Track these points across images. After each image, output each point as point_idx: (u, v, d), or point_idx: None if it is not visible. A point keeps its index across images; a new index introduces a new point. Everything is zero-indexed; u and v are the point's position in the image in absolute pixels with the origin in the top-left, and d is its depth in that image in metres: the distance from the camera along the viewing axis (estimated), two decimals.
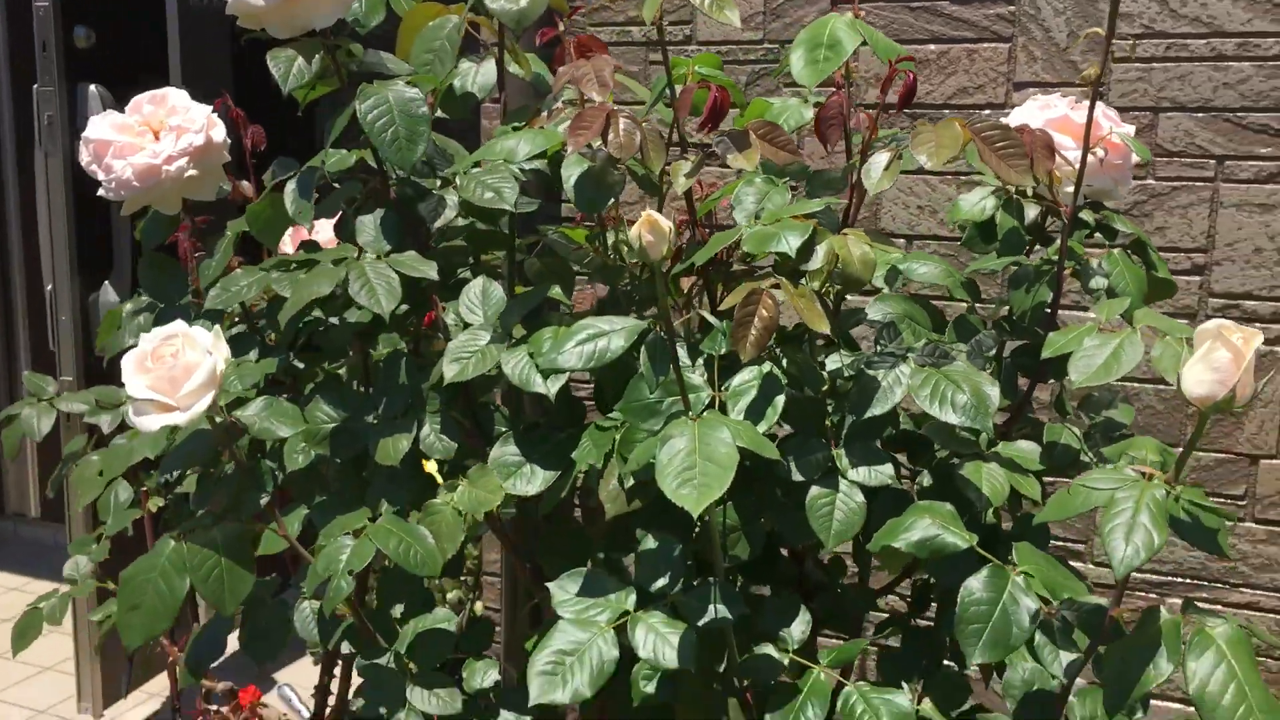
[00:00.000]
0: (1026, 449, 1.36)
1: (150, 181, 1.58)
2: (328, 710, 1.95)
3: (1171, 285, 1.49)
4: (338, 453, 1.44)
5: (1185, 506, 1.00)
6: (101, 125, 1.59)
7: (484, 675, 1.48)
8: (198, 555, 1.25)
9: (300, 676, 3.03)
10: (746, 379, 1.22)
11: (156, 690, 3.28)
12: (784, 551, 1.51)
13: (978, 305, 1.47)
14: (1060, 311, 1.41)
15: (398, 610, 1.50)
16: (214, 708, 1.84)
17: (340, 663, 1.86)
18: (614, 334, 1.17)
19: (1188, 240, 1.98)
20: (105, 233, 2.94)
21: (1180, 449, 1.08)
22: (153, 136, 1.60)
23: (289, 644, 1.50)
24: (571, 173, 1.31)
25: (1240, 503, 1.97)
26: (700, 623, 1.21)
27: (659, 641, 1.19)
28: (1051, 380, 1.43)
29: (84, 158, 1.62)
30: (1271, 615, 1.99)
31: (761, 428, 1.18)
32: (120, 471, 1.88)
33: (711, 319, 1.24)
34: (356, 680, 1.52)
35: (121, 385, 1.24)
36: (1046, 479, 1.37)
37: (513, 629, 2.16)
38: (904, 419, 1.44)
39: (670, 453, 1.09)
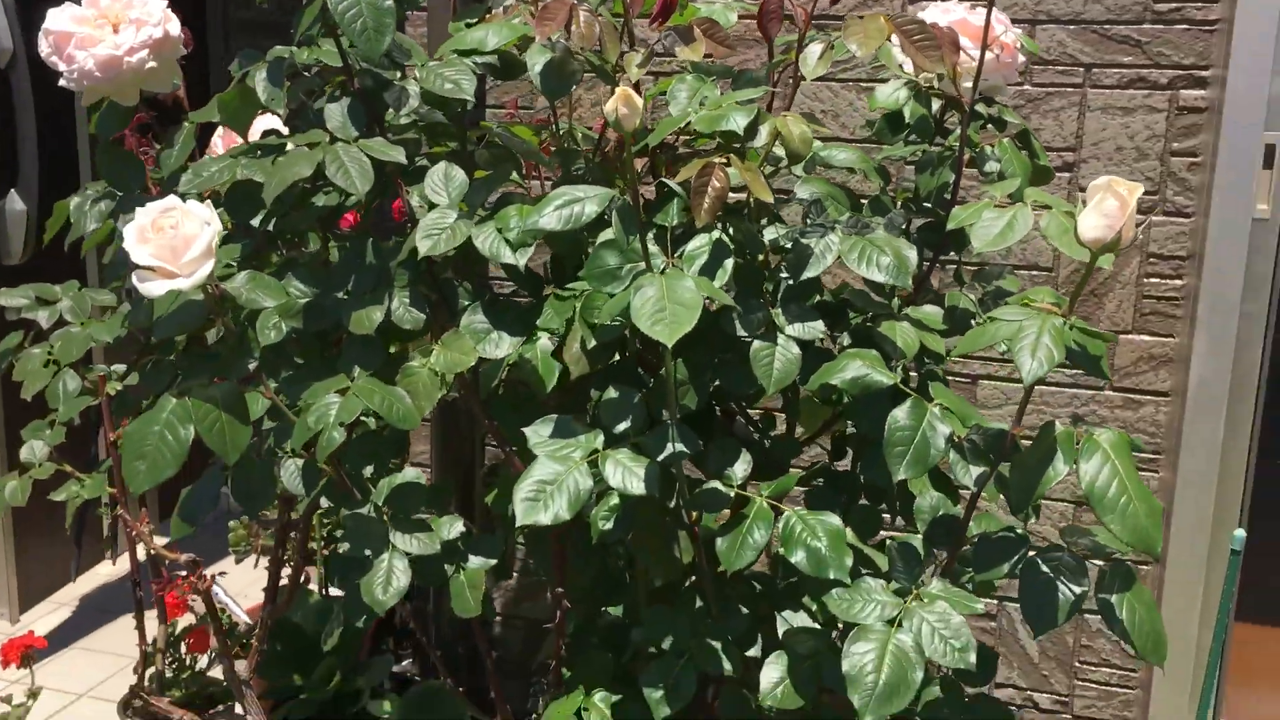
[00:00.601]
0: (931, 312, 1.57)
1: (112, 73, 1.65)
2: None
3: (1050, 172, 1.70)
4: (310, 325, 1.55)
5: (1075, 336, 1.21)
6: (61, 18, 1.64)
7: (450, 528, 1.63)
8: (200, 409, 1.37)
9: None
10: (699, 244, 1.39)
11: (67, 600, 3.34)
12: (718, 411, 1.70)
13: (887, 188, 1.66)
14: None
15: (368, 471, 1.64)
16: (180, 574, 1.94)
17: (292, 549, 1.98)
18: (588, 200, 1.33)
19: (1059, 140, 2.21)
20: (10, 141, 2.93)
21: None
22: (111, 29, 1.67)
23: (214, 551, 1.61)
24: (536, 61, 1.45)
25: None
26: (660, 457, 1.39)
27: (626, 474, 1.37)
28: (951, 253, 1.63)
29: (44, 49, 1.67)
30: None
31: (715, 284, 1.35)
32: (76, 358, 1.95)
33: (674, 185, 1.39)
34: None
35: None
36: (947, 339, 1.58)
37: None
38: (826, 295, 1.63)
39: (643, 299, 1.25)
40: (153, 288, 1.32)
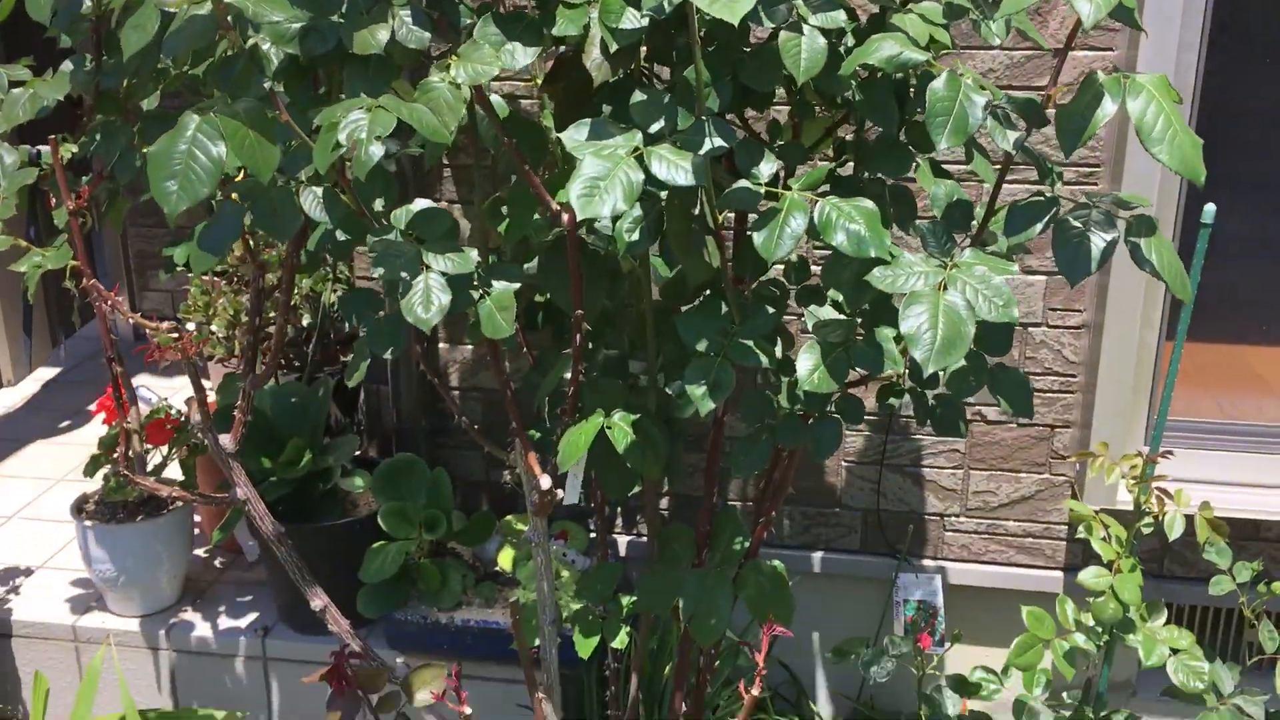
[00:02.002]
0: (931, 7, 1.60)
1: None
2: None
3: None
4: (309, 51, 1.49)
5: None
6: None
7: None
8: (229, 125, 1.31)
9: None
10: None
11: None
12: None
13: None
14: None
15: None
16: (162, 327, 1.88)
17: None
18: None
19: None
20: None
21: None
22: None
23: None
24: None
25: None
26: (701, 151, 1.40)
27: (672, 167, 1.38)
28: None
29: None
30: None
31: None
32: (12, 124, 1.83)
33: None
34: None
35: None
36: None
37: None
38: None
39: None
40: None
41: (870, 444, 2.68)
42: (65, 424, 3.71)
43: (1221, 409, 2.70)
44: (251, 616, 2.73)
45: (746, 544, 2.01)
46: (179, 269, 2.44)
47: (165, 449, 2.65)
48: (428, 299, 1.47)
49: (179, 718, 2.50)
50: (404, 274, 1.48)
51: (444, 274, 1.49)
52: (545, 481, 1.88)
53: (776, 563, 2.02)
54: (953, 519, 2.70)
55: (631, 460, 1.80)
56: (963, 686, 2.28)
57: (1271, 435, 2.62)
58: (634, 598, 2.16)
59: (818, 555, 2.77)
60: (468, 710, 1.82)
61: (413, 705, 2.00)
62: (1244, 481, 2.58)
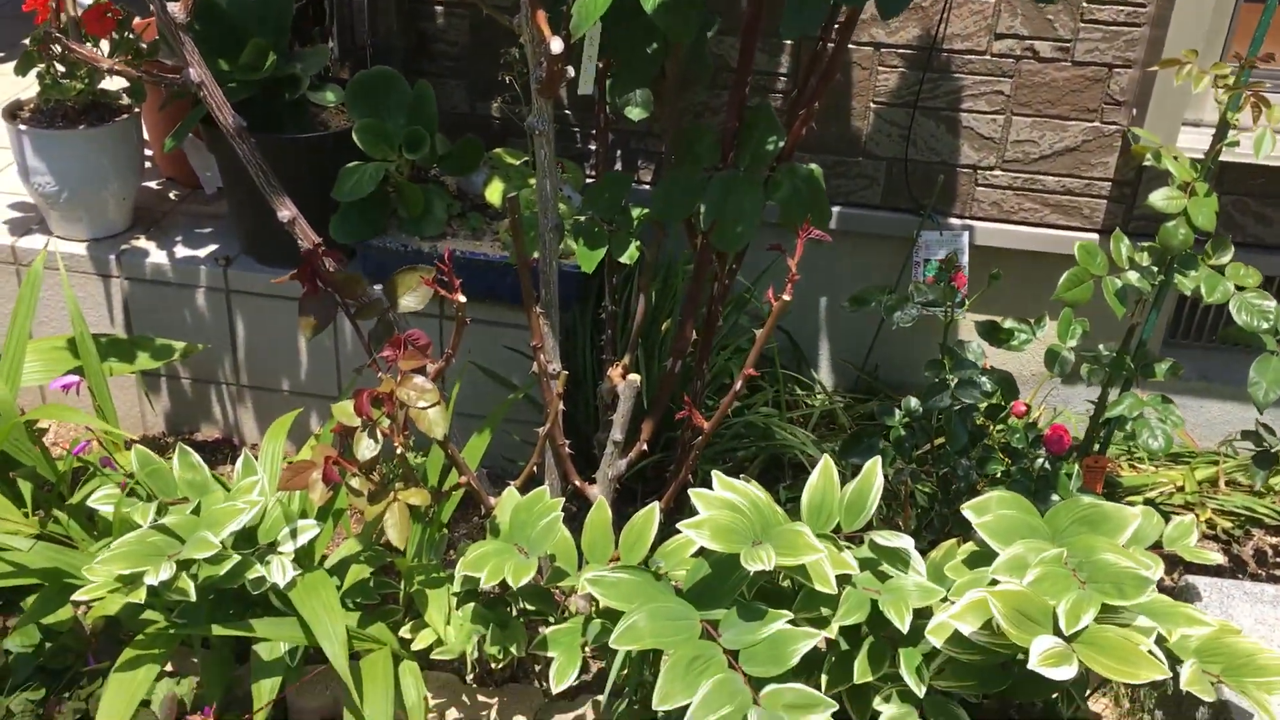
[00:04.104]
0: None
1: None
2: None
3: None
4: None
5: None
6: None
7: None
8: None
9: None
10: None
11: None
12: None
13: None
14: None
15: None
16: None
17: None
18: None
19: None
20: None
21: None
22: None
23: None
24: None
25: None
26: None
27: None
28: None
29: None
30: None
31: None
32: None
33: None
34: None
35: None
36: None
37: None
38: None
39: None
40: None
41: (905, 82, 2.40)
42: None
43: None
44: (211, 248, 2.49)
45: (781, 144, 1.76)
46: None
47: (107, 46, 2.33)
48: None
49: (135, 344, 2.29)
50: None
51: None
52: (555, 45, 1.59)
53: (813, 166, 1.78)
54: (986, 172, 2.47)
55: (660, 19, 1.53)
56: (992, 333, 2.10)
57: None
58: (644, 210, 1.93)
59: (834, 210, 2.54)
60: (461, 298, 1.61)
61: (397, 311, 1.79)
62: None
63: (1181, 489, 2.49)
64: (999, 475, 2.07)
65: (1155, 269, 1.91)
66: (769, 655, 1.53)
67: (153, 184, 2.75)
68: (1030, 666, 1.37)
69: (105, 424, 2.06)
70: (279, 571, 1.69)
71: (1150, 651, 1.40)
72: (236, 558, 1.68)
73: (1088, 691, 1.95)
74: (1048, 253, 2.48)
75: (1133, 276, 1.91)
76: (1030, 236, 2.49)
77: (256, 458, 1.97)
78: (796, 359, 2.73)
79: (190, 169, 2.71)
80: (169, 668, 1.91)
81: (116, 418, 2.10)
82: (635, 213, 1.92)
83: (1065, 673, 1.36)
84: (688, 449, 2.05)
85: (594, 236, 1.89)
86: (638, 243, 1.91)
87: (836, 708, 1.52)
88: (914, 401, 2.16)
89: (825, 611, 1.65)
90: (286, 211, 1.88)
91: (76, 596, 1.63)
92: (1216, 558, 2.22)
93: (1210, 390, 2.63)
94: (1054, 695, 1.83)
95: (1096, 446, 2.20)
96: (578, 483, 2.02)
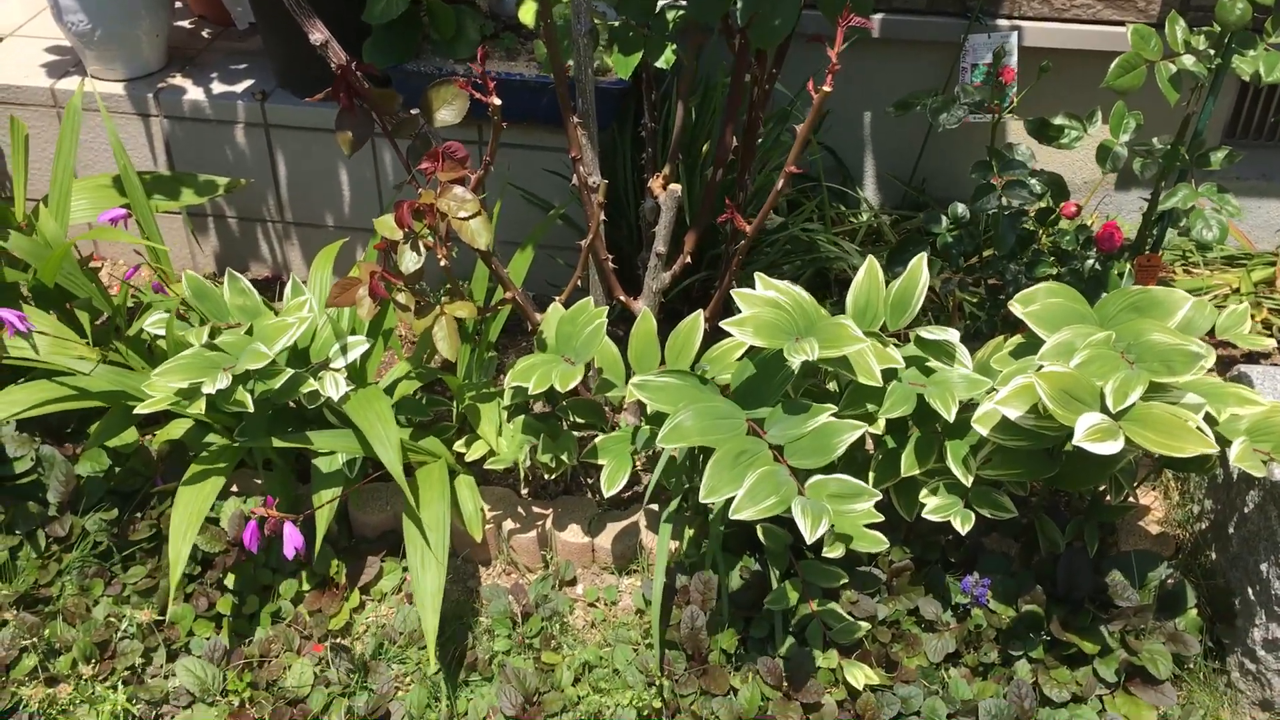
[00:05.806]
0: None
1: None
2: None
3: None
4: None
5: None
6: None
7: None
8: None
9: None
10: None
11: None
12: None
13: None
14: None
15: None
16: None
17: None
18: None
19: None
20: None
21: None
22: None
23: None
24: None
25: None
26: None
27: None
28: None
29: None
30: None
31: None
32: None
33: None
34: None
35: None
36: None
37: None
38: None
39: None
40: None
41: None
42: None
43: None
44: (247, 83, 2.47)
45: None
46: None
47: None
48: None
49: (179, 180, 2.30)
50: None
51: None
52: None
53: None
54: None
55: None
56: (1042, 130, 2.04)
57: None
58: (680, 10, 1.88)
59: (876, 18, 2.46)
60: (496, 101, 1.59)
61: (433, 126, 1.77)
62: None
63: (1236, 290, 2.44)
64: (1049, 279, 2.05)
65: (1211, 52, 1.84)
66: (814, 447, 1.54)
67: (184, 23, 2.72)
68: (1075, 442, 1.37)
69: (155, 259, 2.08)
70: (332, 386, 1.73)
71: (1198, 428, 1.39)
72: (290, 372, 1.71)
73: (1135, 483, 1.96)
74: (1099, 50, 2.39)
75: (1188, 60, 1.84)
76: (1082, 35, 2.40)
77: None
78: (841, 176, 2.69)
79: (221, 6, 2.67)
80: (234, 489, 1.98)
81: (168, 257, 2.13)
82: (670, 15, 1.87)
83: (1110, 447, 1.36)
84: (731, 257, 2.04)
85: (629, 42, 1.85)
86: (673, 45, 1.86)
87: (880, 497, 1.54)
88: (960, 207, 2.12)
89: (871, 408, 1.66)
90: (318, 34, 1.85)
91: (139, 409, 1.68)
92: (1270, 343, 2.19)
93: (1270, 189, 2.55)
94: (1100, 488, 1.84)
95: (1149, 245, 2.16)
96: (622, 297, 2.03)
